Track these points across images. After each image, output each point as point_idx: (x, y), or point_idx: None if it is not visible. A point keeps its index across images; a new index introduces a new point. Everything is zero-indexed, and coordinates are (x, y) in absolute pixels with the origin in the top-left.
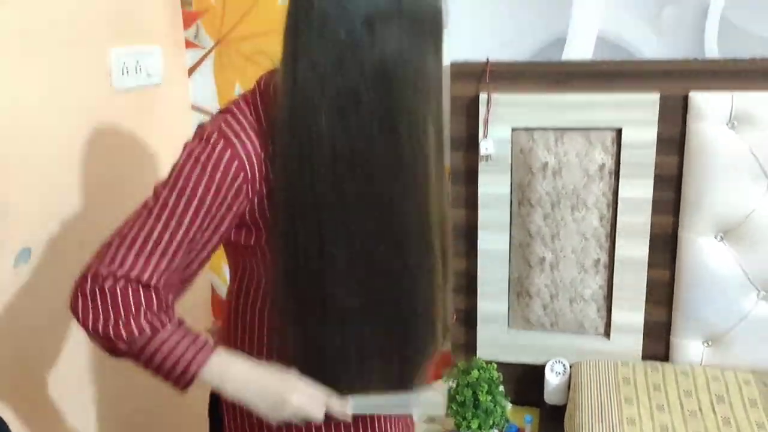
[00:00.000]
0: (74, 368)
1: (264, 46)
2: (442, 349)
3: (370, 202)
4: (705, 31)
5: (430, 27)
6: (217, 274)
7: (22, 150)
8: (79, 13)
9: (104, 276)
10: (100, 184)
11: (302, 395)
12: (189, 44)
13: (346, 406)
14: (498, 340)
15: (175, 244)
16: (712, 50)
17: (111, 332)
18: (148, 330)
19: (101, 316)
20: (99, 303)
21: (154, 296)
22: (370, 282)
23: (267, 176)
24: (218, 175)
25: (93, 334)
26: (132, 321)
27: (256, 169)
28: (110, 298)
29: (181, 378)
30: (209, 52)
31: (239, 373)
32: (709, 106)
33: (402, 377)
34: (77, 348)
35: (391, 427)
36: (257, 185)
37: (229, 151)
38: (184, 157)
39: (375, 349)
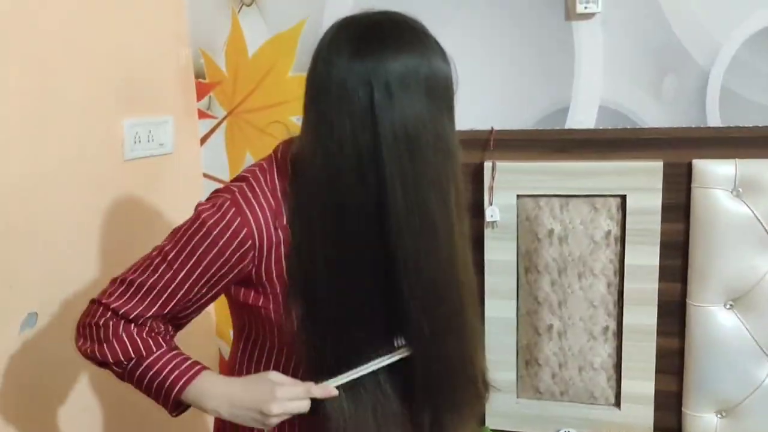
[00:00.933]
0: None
1: (274, 117)
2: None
3: (397, 259)
4: (706, 100)
5: (444, 93)
6: (224, 340)
7: (31, 218)
8: (94, 83)
9: (97, 309)
10: (109, 251)
11: (281, 403)
12: (202, 114)
13: (327, 387)
14: (507, 410)
15: (166, 295)
16: (714, 118)
17: (98, 356)
18: (132, 354)
19: (90, 342)
20: (93, 332)
21: (143, 327)
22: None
23: (278, 244)
24: (222, 242)
25: (88, 357)
26: (116, 345)
27: (265, 236)
28: (103, 327)
29: (166, 400)
30: (221, 122)
31: (219, 398)
32: (713, 174)
33: None
34: (86, 407)
35: None
36: (265, 252)
37: (239, 219)
38: (193, 219)
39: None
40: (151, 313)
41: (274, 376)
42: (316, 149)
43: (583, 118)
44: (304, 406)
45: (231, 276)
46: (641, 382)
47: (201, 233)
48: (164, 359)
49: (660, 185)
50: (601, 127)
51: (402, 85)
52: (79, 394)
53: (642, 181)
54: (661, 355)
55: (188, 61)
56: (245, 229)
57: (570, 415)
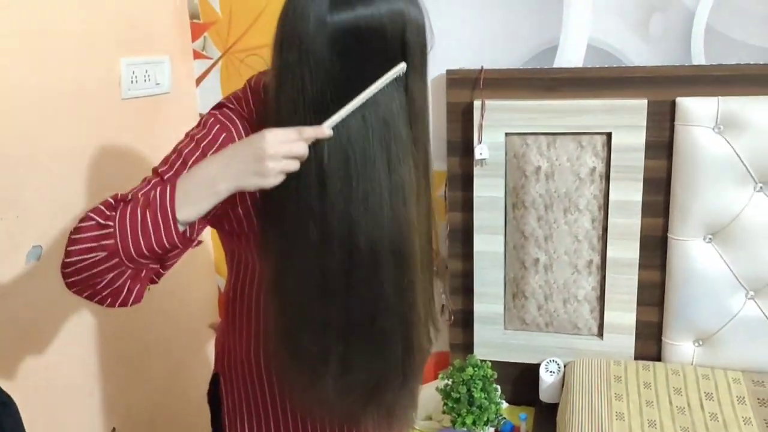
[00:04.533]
0: (82, 363)
1: (268, 57)
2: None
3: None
4: (691, 38)
5: (414, 53)
6: (222, 276)
7: (33, 153)
8: (91, 24)
9: (86, 213)
10: (107, 187)
11: (273, 143)
12: (197, 55)
13: (319, 127)
14: (494, 340)
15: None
16: (699, 57)
17: (90, 213)
18: (120, 199)
19: (86, 221)
20: (84, 223)
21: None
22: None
23: None
24: (211, 151)
25: (76, 244)
26: (102, 206)
27: None
28: (94, 214)
29: (165, 217)
30: (216, 62)
31: (207, 167)
32: (696, 111)
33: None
34: (85, 343)
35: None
36: None
37: (224, 134)
38: (182, 140)
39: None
40: None
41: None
42: (280, 97)
43: (571, 57)
44: (299, 147)
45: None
46: (623, 314)
47: (191, 147)
48: (144, 191)
49: (644, 123)
50: (588, 66)
51: (368, 42)
52: (78, 331)
53: (627, 119)
54: (643, 288)
55: (183, 1)
56: (230, 141)
57: (555, 345)
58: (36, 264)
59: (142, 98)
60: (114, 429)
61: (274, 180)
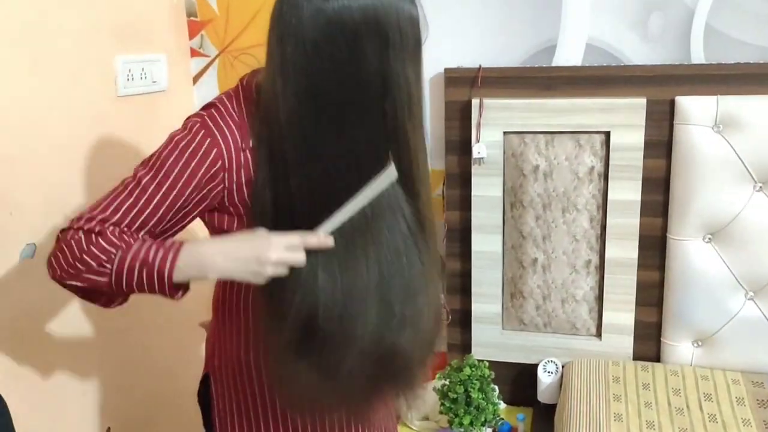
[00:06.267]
0: (76, 361)
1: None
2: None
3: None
4: (691, 37)
5: (408, 43)
6: None
7: (27, 150)
8: (87, 21)
9: (67, 233)
10: (101, 185)
11: (278, 249)
12: (194, 53)
13: (321, 235)
14: (492, 340)
15: (140, 221)
16: (698, 56)
17: (80, 268)
18: (117, 244)
19: (75, 249)
20: (72, 242)
21: (117, 230)
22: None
23: (246, 166)
24: (195, 162)
25: (71, 268)
26: (102, 242)
27: (234, 158)
28: (75, 242)
29: (161, 281)
30: (213, 60)
31: (212, 254)
32: (695, 110)
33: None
34: (80, 342)
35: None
36: (234, 174)
37: (208, 140)
38: (165, 143)
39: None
40: (124, 224)
41: (266, 231)
42: (272, 86)
43: (570, 55)
44: (300, 257)
45: (203, 202)
46: (622, 314)
47: (174, 155)
48: (146, 245)
49: (643, 122)
50: (587, 65)
51: (363, 33)
52: (72, 330)
53: (625, 118)
54: (642, 288)
55: None
56: (215, 149)
57: (553, 345)
58: (30, 262)
59: (138, 96)
60: (109, 428)
61: (264, 280)
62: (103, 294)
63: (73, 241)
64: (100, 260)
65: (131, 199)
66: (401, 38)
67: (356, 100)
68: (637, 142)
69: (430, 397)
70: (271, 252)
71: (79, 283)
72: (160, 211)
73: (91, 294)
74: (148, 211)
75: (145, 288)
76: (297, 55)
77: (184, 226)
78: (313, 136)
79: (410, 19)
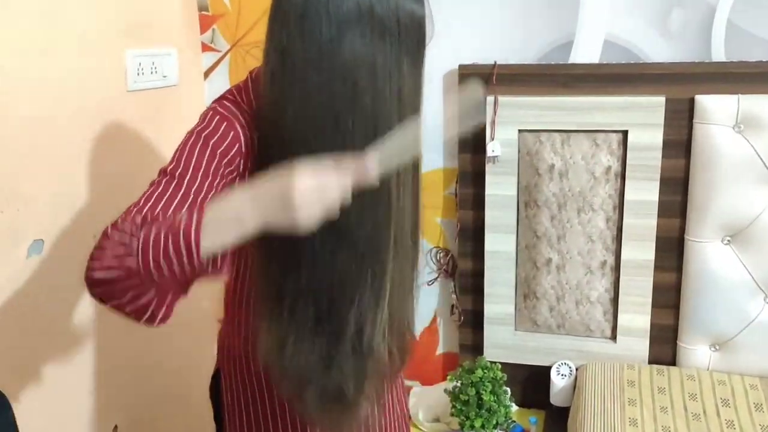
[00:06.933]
0: (84, 359)
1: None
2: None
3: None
4: (712, 35)
5: (407, 36)
6: None
7: (36, 145)
8: (98, 15)
9: (110, 229)
10: (112, 181)
11: (305, 180)
12: (205, 47)
13: (369, 165)
14: (505, 341)
15: (175, 204)
16: (719, 53)
17: (115, 231)
18: (139, 222)
19: (115, 244)
20: (109, 240)
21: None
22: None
23: (254, 155)
24: (215, 143)
25: (101, 269)
26: (125, 225)
27: (248, 143)
28: (118, 231)
29: (188, 245)
30: (225, 55)
31: (235, 208)
32: (716, 109)
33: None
34: (87, 339)
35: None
36: (248, 162)
37: (225, 123)
38: (185, 137)
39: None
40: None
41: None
42: (271, 77)
43: (587, 52)
44: (333, 195)
45: (223, 189)
46: (637, 316)
47: (199, 144)
48: (172, 216)
49: (662, 121)
50: (604, 62)
51: (355, 25)
52: (80, 327)
53: (644, 117)
54: (658, 290)
55: None
56: (232, 132)
57: (567, 347)
58: (38, 258)
59: (148, 90)
60: (116, 427)
61: (309, 227)
62: (135, 299)
63: (109, 237)
64: (126, 234)
65: (166, 192)
66: (399, 31)
67: (337, 89)
68: (655, 142)
69: (441, 399)
70: (296, 196)
71: (106, 273)
72: (197, 197)
73: (124, 301)
74: (181, 197)
75: (173, 261)
76: (282, 36)
77: (231, 254)
78: (298, 119)
79: (411, 14)
